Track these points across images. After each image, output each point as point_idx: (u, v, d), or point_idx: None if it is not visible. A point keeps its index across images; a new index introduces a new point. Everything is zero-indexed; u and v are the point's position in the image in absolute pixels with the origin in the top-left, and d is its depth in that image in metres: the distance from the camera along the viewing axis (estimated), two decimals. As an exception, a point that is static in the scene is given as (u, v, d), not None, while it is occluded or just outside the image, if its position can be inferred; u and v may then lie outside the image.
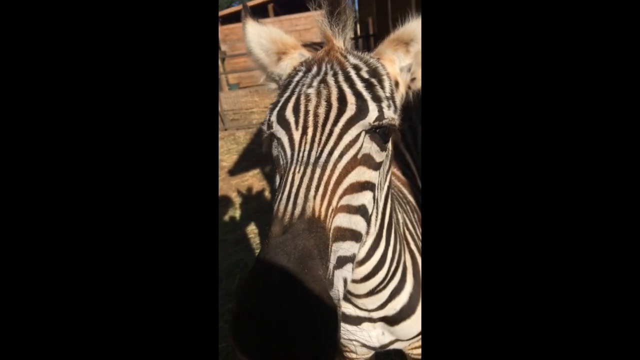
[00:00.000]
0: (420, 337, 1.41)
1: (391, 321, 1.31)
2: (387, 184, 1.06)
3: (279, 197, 0.79)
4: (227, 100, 9.76)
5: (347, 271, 0.80)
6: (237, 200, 4.99)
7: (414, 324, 1.33)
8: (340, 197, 0.82)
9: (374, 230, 1.05)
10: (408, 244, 1.34)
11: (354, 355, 1.56)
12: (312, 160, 0.82)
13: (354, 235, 0.83)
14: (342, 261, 0.79)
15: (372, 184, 0.90)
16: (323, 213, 0.77)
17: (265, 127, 0.96)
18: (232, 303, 0.68)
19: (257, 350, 0.62)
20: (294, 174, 0.81)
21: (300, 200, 0.77)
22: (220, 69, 9.69)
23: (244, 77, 12.18)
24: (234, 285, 3.35)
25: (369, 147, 0.89)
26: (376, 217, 1.02)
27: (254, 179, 5.58)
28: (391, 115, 0.92)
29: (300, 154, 0.84)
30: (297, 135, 0.87)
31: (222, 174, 6.00)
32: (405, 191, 1.62)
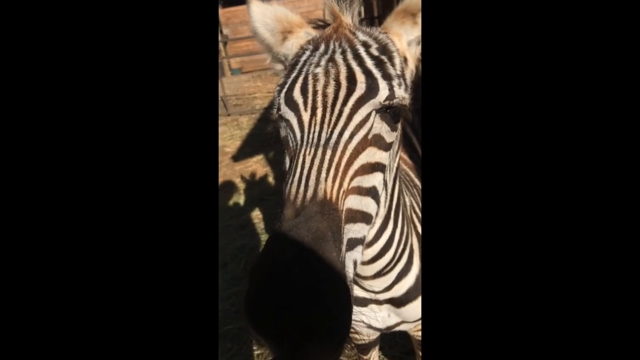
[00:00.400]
0: (425, 319, 1.42)
1: (397, 303, 1.32)
2: (395, 165, 1.05)
3: (290, 179, 0.79)
4: (230, 85, 9.66)
5: (357, 253, 0.80)
6: (241, 186, 5.00)
7: (419, 306, 1.33)
8: (352, 179, 0.81)
9: (382, 212, 1.04)
10: (415, 226, 1.34)
11: (359, 336, 1.58)
12: (322, 141, 0.81)
13: (365, 217, 0.83)
14: (352, 243, 0.78)
15: (382, 165, 0.88)
16: (335, 195, 0.77)
17: (274, 110, 0.94)
18: (248, 282, 0.68)
19: (272, 330, 0.62)
20: (304, 156, 0.80)
21: (311, 183, 0.76)
22: (223, 53, 9.55)
23: (246, 61, 12.00)
24: (238, 269, 3.40)
25: (380, 127, 0.87)
26: (385, 199, 1.01)
27: (257, 165, 5.57)
28: (402, 94, 0.90)
29: (310, 136, 0.83)
30: (306, 117, 0.85)
31: (226, 160, 5.99)
32: (412, 175, 1.61)
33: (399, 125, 0.96)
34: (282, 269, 0.64)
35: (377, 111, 0.87)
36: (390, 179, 1.01)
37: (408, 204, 1.32)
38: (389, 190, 1.03)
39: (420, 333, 1.60)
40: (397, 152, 1.02)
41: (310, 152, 0.80)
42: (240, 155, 6.16)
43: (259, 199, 4.51)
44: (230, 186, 5.02)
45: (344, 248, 0.74)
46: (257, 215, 4.18)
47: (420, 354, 1.75)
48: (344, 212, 0.77)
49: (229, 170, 5.53)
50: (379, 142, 0.87)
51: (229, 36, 11.26)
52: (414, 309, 1.33)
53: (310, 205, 0.73)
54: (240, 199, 4.68)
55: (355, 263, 0.79)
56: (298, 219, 0.71)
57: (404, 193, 1.29)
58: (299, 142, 0.84)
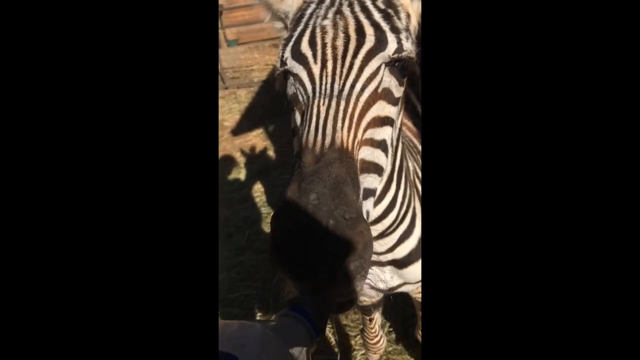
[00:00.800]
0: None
1: (400, 264, 1.35)
2: (399, 124, 1.05)
3: (306, 129, 0.80)
4: (227, 57, 9.38)
5: (370, 204, 0.83)
6: (241, 160, 4.99)
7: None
8: (365, 131, 0.83)
9: (388, 168, 1.05)
10: (418, 191, 1.35)
11: (363, 298, 1.63)
12: (335, 92, 0.82)
13: (377, 169, 0.85)
14: (366, 193, 0.81)
15: (391, 120, 0.89)
16: (350, 145, 0.79)
17: (278, 64, 0.93)
18: (271, 224, 0.72)
19: (298, 268, 0.67)
20: (318, 106, 0.81)
21: (329, 131, 0.78)
22: (218, 24, 9.22)
23: (243, 32, 11.60)
24: (242, 240, 3.46)
25: (389, 80, 0.88)
26: (390, 157, 1.03)
27: (257, 139, 5.53)
28: (409, 47, 0.89)
29: (322, 87, 0.83)
30: (316, 69, 0.85)
31: (225, 134, 5.94)
32: (416, 141, 1.60)
33: (405, 80, 0.95)
34: (309, 216, 0.67)
35: (387, 64, 0.87)
36: (395, 137, 1.02)
37: (411, 169, 1.33)
38: (393, 150, 1.04)
39: (421, 295, 1.65)
40: (400, 110, 1.02)
41: (324, 102, 0.81)
42: (240, 129, 6.10)
43: (259, 172, 4.51)
44: (231, 160, 5.01)
45: (361, 194, 0.78)
46: (258, 188, 4.21)
47: (420, 314, 1.82)
48: (358, 162, 0.80)
49: (228, 145, 5.50)
50: (388, 96, 0.88)
51: (224, 5, 10.82)
52: (416, 270, 1.37)
53: (329, 152, 0.75)
54: (241, 173, 4.69)
55: (368, 214, 0.82)
56: (318, 164, 0.73)
57: (407, 157, 1.29)
58: (311, 95, 0.84)
